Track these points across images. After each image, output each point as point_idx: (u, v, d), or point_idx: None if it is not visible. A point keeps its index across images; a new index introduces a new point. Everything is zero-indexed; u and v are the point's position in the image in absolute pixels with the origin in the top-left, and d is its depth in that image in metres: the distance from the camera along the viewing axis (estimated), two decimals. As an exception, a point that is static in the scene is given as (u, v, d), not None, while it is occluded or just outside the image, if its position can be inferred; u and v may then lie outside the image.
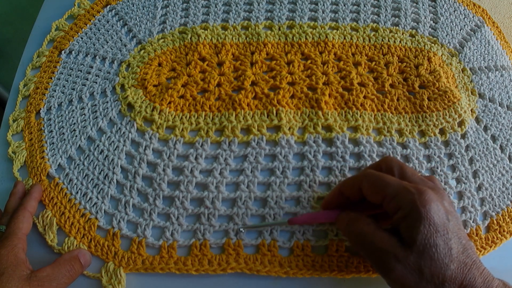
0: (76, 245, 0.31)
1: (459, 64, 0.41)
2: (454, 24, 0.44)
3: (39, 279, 0.26)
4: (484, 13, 0.45)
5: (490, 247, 0.32)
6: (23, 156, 0.36)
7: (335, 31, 0.42)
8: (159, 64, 0.40)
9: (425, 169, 0.34)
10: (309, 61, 0.39)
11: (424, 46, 0.41)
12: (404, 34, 0.42)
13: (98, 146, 0.35)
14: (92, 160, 0.34)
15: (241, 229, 0.31)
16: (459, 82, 0.40)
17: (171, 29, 0.43)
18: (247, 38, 0.41)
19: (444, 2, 0.45)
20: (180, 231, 0.31)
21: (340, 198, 0.29)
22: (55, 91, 0.39)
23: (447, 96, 0.37)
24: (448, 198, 0.26)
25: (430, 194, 0.24)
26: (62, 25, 0.44)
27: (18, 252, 0.28)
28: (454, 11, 0.45)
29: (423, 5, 0.45)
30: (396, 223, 0.25)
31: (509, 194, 0.34)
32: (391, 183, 0.25)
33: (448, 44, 0.42)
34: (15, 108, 0.39)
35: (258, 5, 0.44)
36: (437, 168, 0.34)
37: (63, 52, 0.42)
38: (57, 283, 0.27)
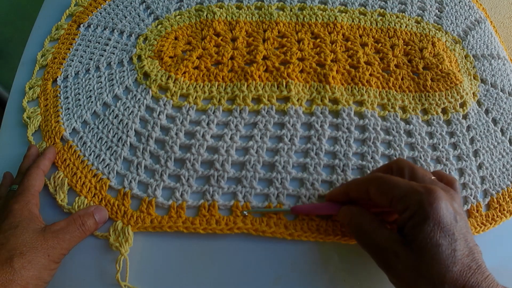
0: (87, 204, 0.31)
1: (462, 50, 0.42)
2: (459, 14, 0.45)
3: (53, 231, 0.27)
4: (484, 11, 0.47)
5: (490, 224, 0.33)
6: (37, 121, 0.36)
7: (344, 14, 0.44)
8: (176, 38, 0.41)
9: (427, 145, 0.35)
10: (318, 40, 0.41)
11: (429, 32, 0.43)
12: (410, 20, 0.44)
13: (113, 111, 0.36)
14: (106, 124, 0.35)
15: (244, 212, 0.31)
16: (461, 67, 0.41)
17: (187, 7, 0.44)
18: (260, 17, 0.43)
19: (450, -7, 0.47)
20: (190, 192, 0.32)
21: (346, 198, 0.29)
22: (72, 61, 0.40)
23: (450, 78, 0.38)
24: (459, 200, 0.25)
25: (439, 193, 0.23)
26: (81, 0, 0.46)
27: (31, 207, 0.28)
28: (459, 2, 0.46)
29: (429, -6, 0.47)
30: (402, 222, 0.24)
31: (509, 175, 0.35)
32: (398, 184, 0.25)
33: (452, 32, 0.44)
34: (31, 76, 0.40)
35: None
36: (439, 144, 0.35)
37: (81, 25, 0.43)
38: (71, 236, 0.27)
